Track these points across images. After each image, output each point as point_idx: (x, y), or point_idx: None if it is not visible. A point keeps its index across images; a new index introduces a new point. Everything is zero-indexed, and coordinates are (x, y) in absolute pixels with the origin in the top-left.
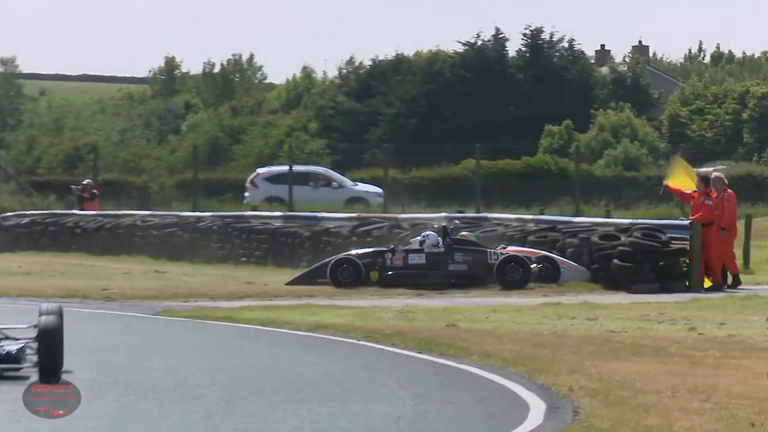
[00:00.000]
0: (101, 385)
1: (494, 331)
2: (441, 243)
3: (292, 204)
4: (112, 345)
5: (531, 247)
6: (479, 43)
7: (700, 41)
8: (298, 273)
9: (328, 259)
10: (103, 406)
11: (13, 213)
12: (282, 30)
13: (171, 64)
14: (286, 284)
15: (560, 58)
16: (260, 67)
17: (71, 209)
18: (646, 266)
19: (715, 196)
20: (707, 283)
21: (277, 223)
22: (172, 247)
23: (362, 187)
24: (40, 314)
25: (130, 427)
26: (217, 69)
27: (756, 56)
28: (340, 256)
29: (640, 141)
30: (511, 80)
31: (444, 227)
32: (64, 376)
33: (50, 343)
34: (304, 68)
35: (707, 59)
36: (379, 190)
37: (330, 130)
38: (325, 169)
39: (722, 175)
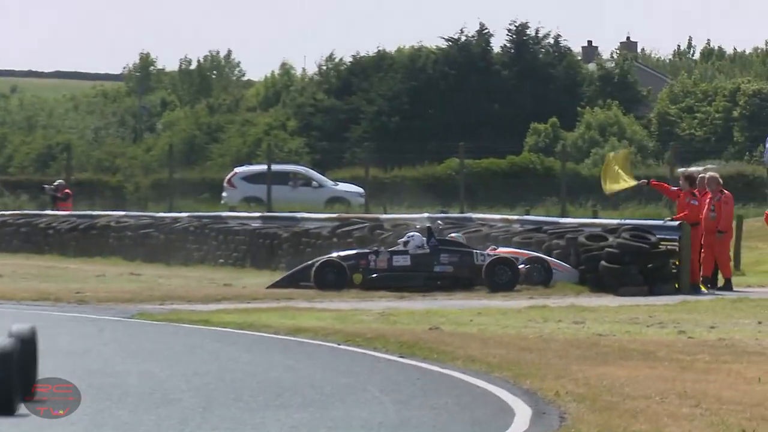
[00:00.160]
0: None
1: (479, 334)
2: (426, 244)
3: (270, 204)
4: (85, 349)
5: (520, 249)
6: (463, 38)
7: (690, 37)
8: (276, 275)
9: (310, 262)
10: (76, 412)
11: None
12: (260, 25)
13: (146, 61)
14: (267, 288)
15: (546, 54)
16: (238, 64)
17: (44, 209)
18: (634, 268)
19: (710, 197)
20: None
21: (256, 224)
22: (147, 248)
23: (343, 186)
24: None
25: None
26: (193, 65)
27: (747, 52)
28: (324, 258)
29: (628, 140)
30: (495, 77)
31: (429, 228)
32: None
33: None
34: (283, 65)
35: (697, 55)
36: (360, 189)
37: (310, 129)
38: (305, 168)
39: (717, 175)
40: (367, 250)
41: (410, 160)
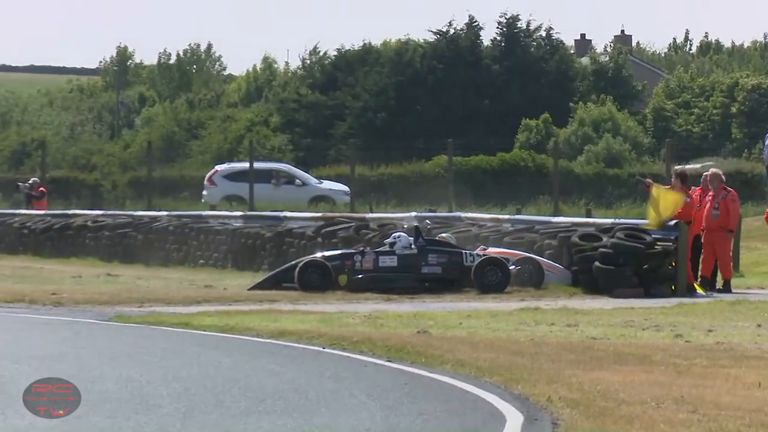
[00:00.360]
0: None
1: (468, 338)
2: (413, 244)
3: (252, 203)
4: (61, 353)
5: (511, 249)
6: (451, 31)
7: (687, 30)
8: (259, 276)
9: (294, 262)
10: (52, 419)
11: None
12: (242, 18)
13: (124, 54)
14: (248, 289)
15: (537, 48)
16: (219, 58)
17: (18, 208)
18: (629, 269)
19: (712, 194)
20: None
21: (237, 224)
22: (125, 248)
23: (327, 185)
24: None
25: None
26: (173, 59)
27: (746, 46)
28: (308, 258)
29: (622, 136)
30: (485, 71)
31: (416, 227)
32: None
33: None
34: (266, 59)
35: (694, 49)
36: (345, 188)
37: (293, 125)
38: (288, 165)
39: (719, 172)
40: (353, 251)
41: (397, 158)
